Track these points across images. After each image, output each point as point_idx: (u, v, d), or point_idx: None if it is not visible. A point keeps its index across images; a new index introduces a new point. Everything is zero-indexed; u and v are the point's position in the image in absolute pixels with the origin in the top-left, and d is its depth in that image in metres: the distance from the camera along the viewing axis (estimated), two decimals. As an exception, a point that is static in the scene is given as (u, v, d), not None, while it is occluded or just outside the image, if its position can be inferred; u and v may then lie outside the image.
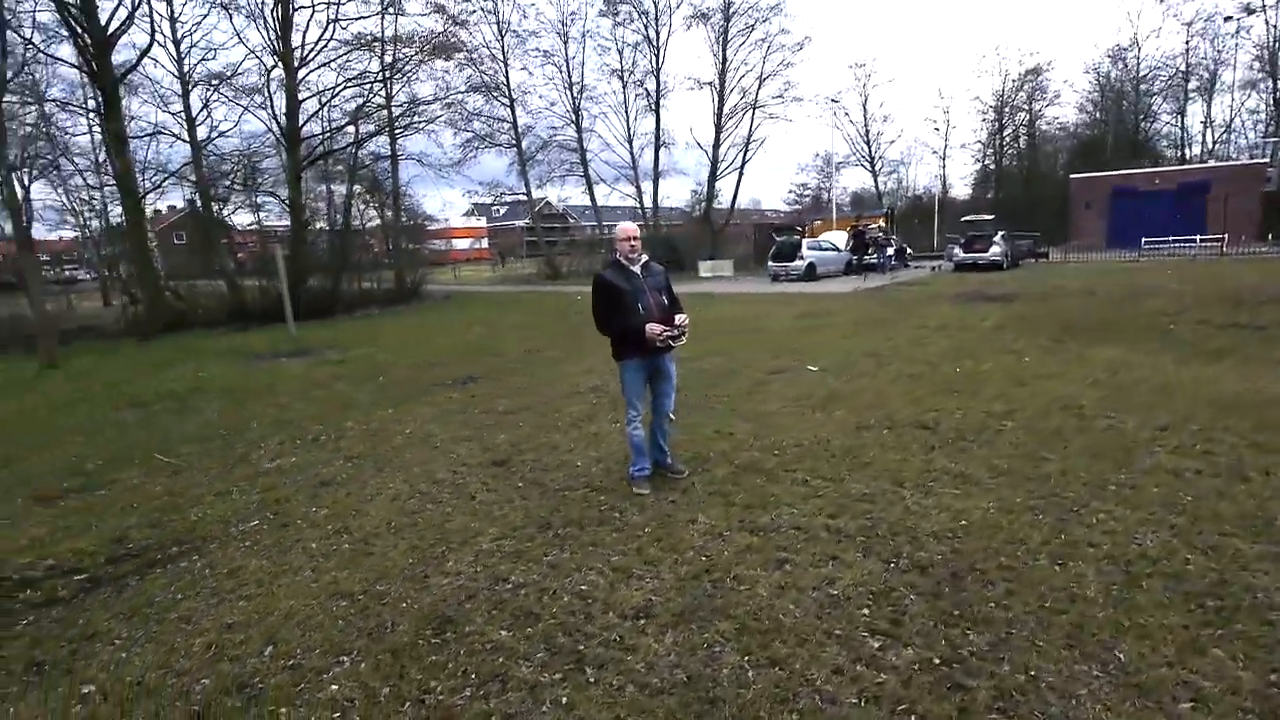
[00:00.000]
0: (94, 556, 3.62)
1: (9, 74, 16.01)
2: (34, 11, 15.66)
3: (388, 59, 20.12)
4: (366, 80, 19.87)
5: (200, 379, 9.19)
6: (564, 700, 2.27)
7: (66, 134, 21.22)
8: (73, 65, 15.48)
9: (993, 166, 44.43)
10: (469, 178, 38.81)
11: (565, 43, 32.63)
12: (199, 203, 20.62)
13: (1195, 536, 3.11)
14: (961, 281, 18.03)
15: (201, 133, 19.90)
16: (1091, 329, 8.86)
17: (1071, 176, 32.54)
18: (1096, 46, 79.23)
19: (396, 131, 22.97)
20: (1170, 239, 23.92)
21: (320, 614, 2.91)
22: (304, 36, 18.21)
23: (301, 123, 18.21)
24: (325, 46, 18.38)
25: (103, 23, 14.31)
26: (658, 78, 32.97)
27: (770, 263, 22.55)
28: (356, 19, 18.76)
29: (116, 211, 21.48)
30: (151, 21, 15.51)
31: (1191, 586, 2.70)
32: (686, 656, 2.45)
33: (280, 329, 14.24)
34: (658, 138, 34.24)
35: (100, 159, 20.81)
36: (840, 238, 24.54)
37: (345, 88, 19.36)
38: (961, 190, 46.96)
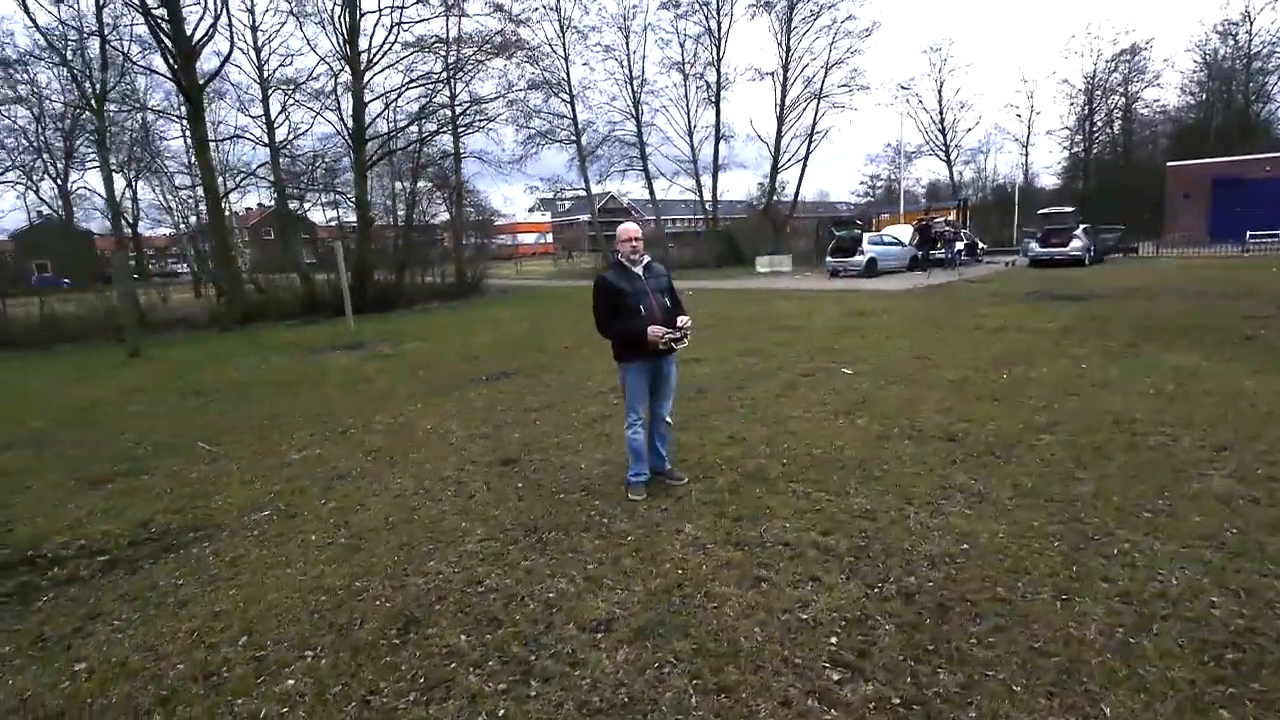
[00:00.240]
0: (119, 539, 3.88)
1: (110, 84, 17.52)
2: (131, 26, 17.01)
3: (451, 59, 20.69)
4: (430, 80, 20.51)
5: (259, 370, 9.75)
6: (501, 713, 2.24)
7: (163, 138, 22.92)
8: (163, 75, 16.69)
9: (1081, 154, 41.42)
10: (527, 174, 39.42)
11: (626, 37, 32.67)
12: (276, 201, 21.84)
13: (1230, 576, 2.76)
14: (1035, 278, 16.91)
15: (281, 134, 21.17)
16: (1168, 333, 8.10)
17: (1169, 165, 29.89)
18: (1203, 23, 72.47)
19: (459, 129, 23.66)
20: (1280, 233, 21.64)
21: (299, 607, 3.00)
22: (370, 41, 19.02)
23: (367, 123, 19.00)
24: (390, 49, 19.12)
25: (188, 33, 15.37)
26: (718, 69, 32.57)
27: (829, 258, 21.88)
28: (418, 21, 19.25)
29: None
30: (231, 31, 16.58)
31: (1211, 634, 2.40)
32: (634, 676, 2.38)
33: (344, 322, 14.95)
34: (717, 130, 33.83)
35: (191, 161, 22.38)
36: (905, 232, 23.50)
37: (409, 88, 20.07)
38: (1049, 180, 44.06)
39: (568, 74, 31.31)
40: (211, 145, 17.98)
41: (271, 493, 4.52)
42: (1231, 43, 35.90)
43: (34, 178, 29.52)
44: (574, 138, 32.10)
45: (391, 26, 18.56)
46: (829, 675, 2.32)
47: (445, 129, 22.28)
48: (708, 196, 36.02)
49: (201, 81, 16.04)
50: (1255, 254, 20.25)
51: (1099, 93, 39.70)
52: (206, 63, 17.40)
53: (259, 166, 21.09)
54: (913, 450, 4.53)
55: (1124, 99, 39.56)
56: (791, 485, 4.03)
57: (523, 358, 9.28)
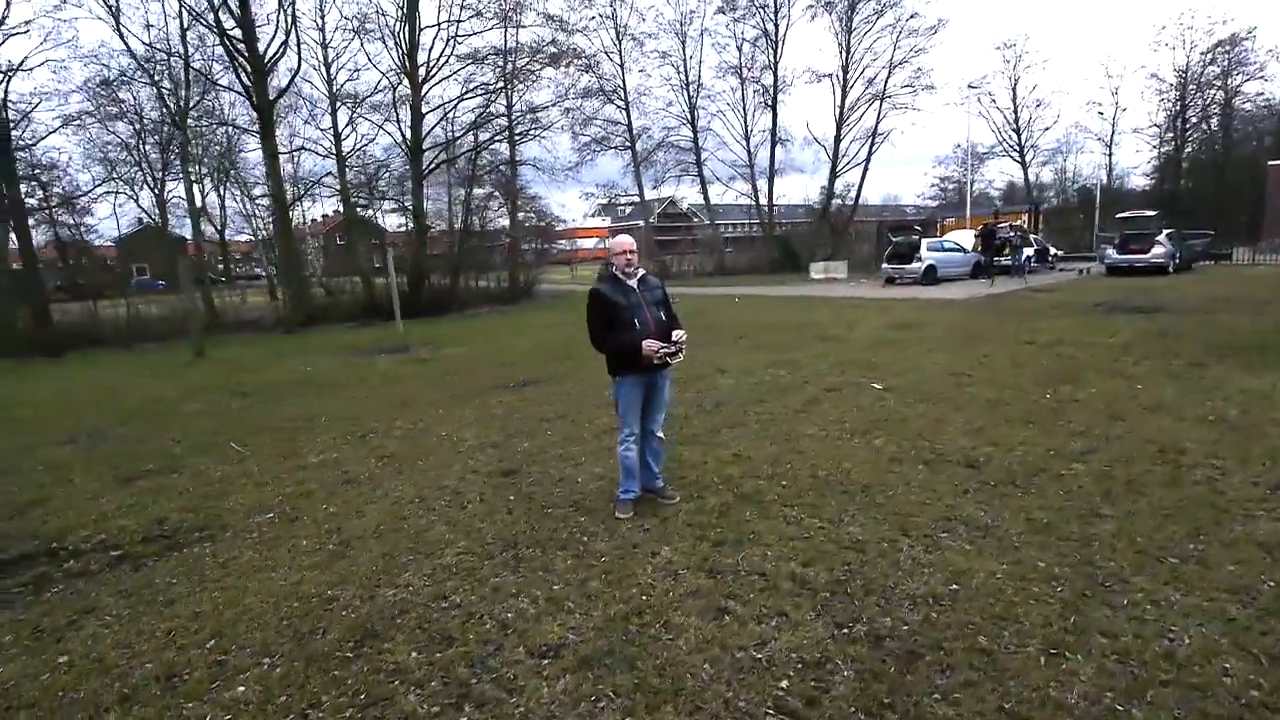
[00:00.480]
0: (133, 535, 4.10)
1: (192, 101, 18.84)
2: (213, 46, 18.24)
3: (506, 69, 21.20)
4: (486, 91, 21.09)
5: (306, 372, 10.21)
6: (427, 739, 2.21)
7: (242, 150, 24.46)
8: (237, 91, 17.84)
9: (1172, 153, 38.46)
10: (580, 180, 39.91)
11: (683, 42, 32.71)
12: (342, 209, 22.93)
13: (1254, 638, 2.44)
14: (1108, 288, 15.78)
15: (348, 145, 22.24)
16: (1244, 351, 7.36)
17: (1270, 164, 27.35)
18: (1322, 6, 65.72)
19: (515, 138, 24.20)
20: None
21: (271, 613, 3.07)
22: (429, 54, 19.74)
23: (425, 132, 19.72)
24: (446, 62, 19.78)
25: (261, 52, 16.35)
26: (775, 72, 32.12)
27: (884, 264, 21.14)
28: (471, 35, 19.82)
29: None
30: (299, 48, 17.52)
31: (1215, 706, 2.12)
32: (567, 709, 2.30)
33: (398, 325, 15.50)
34: (774, 134, 33.34)
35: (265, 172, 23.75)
36: (969, 237, 22.42)
37: (466, 98, 20.69)
38: (1138, 181, 41.10)
39: (623, 81, 31.61)
40: (282, 156, 19.06)
41: (281, 495, 4.68)
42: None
43: (135, 188, 32.22)
44: (629, 144, 32.30)
45: (448, 40, 19.23)
46: (769, 723, 2.18)
47: (500, 137, 22.84)
48: (764, 201, 35.50)
49: (272, 97, 17.02)
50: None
51: (1193, 87, 36.74)
52: (282, 78, 18.51)
53: (323, 176, 22.21)
54: (925, 476, 4.26)
55: (1222, 93, 36.48)
56: (785, 509, 3.86)
57: (552, 365, 9.34)
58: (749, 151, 34.75)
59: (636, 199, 35.61)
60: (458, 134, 20.67)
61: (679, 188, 37.93)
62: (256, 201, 26.04)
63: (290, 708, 2.41)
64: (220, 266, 45.87)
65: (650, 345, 3.75)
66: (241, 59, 16.01)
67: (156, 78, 17.36)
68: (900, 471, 4.36)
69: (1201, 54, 36.06)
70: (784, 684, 2.36)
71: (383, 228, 32.89)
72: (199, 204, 22.07)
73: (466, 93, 20.49)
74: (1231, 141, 36.91)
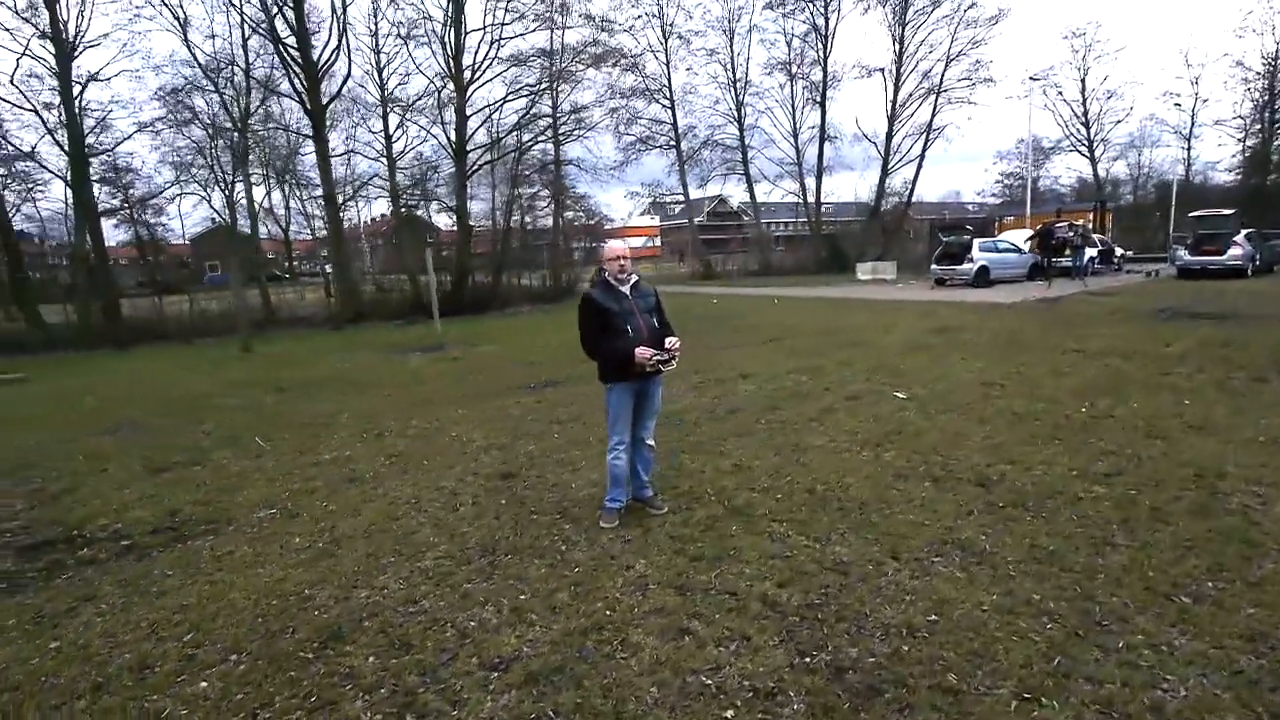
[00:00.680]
0: (145, 526, 4.30)
1: (252, 107, 19.78)
2: (272, 55, 19.07)
3: (550, 70, 21.41)
4: (530, 91, 21.36)
5: (342, 369, 10.55)
6: (362, 748, 2.22)
7: (301, 153, 25.55)
8: (290, 97, 18.66)
9: (1259, 146, 35.61)
10: (625, 181, 40.00)
11: (730, 39, 32.33)
12: (392, 209, 23.66)
13: (1261, 694, 2.20)
14: (1176, 291, 14.76)
15: (398, 147, 22.93)
16: (1317, 366, 6.72)
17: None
18: None
19: (560, 138, 24.47)
20: None
21: (249, 609, 3.16)
22: (475, 57, 20.14)
23: (469, 134, 20.13)
24: (490, 64, 20.13)
25: (314, 59, 17.02)
26: (824, 67, 31.39)
27: (934, 265, 20.37)
28: (515, 37, 20.11)
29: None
30: (349, 55, 18.15)
31: (1197, 772, 1.91)
32: (504, 726, 2.27)
33: (440, 323, 15.88)
34: (822, 131, 32.63)
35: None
36: (1022, 237, 21.37)
37: (510, 99, 21.01)
38: (1222, 177, 38.25)
39: (669, 79, 31.46)
40: (336, 159, 19.80)
41: (288, 491, 4.83)
42: None
43: (207, 189, 34.16)
44: (673, 143, 32.16)
45: (492, 43, 19.58)
46: (705, 756, 2.09)
47: (544, 137, 23.10)
48: (811, 199, 34.77)
49: (325, 102, 17.69)
50: None
51: (1284, 75, 33.90)
52: (335, 84, 19.23)
53: (371, 178, 22.97)
54: (929, 494, 4.05)
55: (1319, 81, 33.50)
56: (773, 525, 3.73)
57: (577, 365, 9.32)
58: (797, 149, 34.13)
59: (680, 196, 35.34)
60: (501, 134, 21.02)
61: (724, 186, 37.50)
62: (313, 202, 27.13)
63: (244, 706, 2.46)
64: (286, 264, 48.11)
65: (643, 353, 3.69)
66: (296, 66, 16.71)
67: (220, 85, 18.35)
68: (904, 488, 4.16)
69: (1295, 39, 33.25)
70: (729, 713, 2.26)
71: (436, 227, 33.91)
72: (259, 205, 23.07)
73: (510, 94, 20.83)
74: (1328, 133, 33.90)
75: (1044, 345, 8.87)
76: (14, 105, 17.76)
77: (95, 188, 19.18)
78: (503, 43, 19.89)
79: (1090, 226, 22.86)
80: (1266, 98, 34.34)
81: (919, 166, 33.31)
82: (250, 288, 16.07)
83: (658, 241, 75.54)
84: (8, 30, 16.62)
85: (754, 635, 2.69)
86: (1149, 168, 39.40)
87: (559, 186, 26.80)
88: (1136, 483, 4.03)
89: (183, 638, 2.95)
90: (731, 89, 33.13)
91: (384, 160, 22.54)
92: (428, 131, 21.02)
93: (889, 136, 32.35)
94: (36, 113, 17.70)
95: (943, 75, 30.67)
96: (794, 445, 5.15)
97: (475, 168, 20.69)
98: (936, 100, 31.25)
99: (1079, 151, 39.75)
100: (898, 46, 30.70)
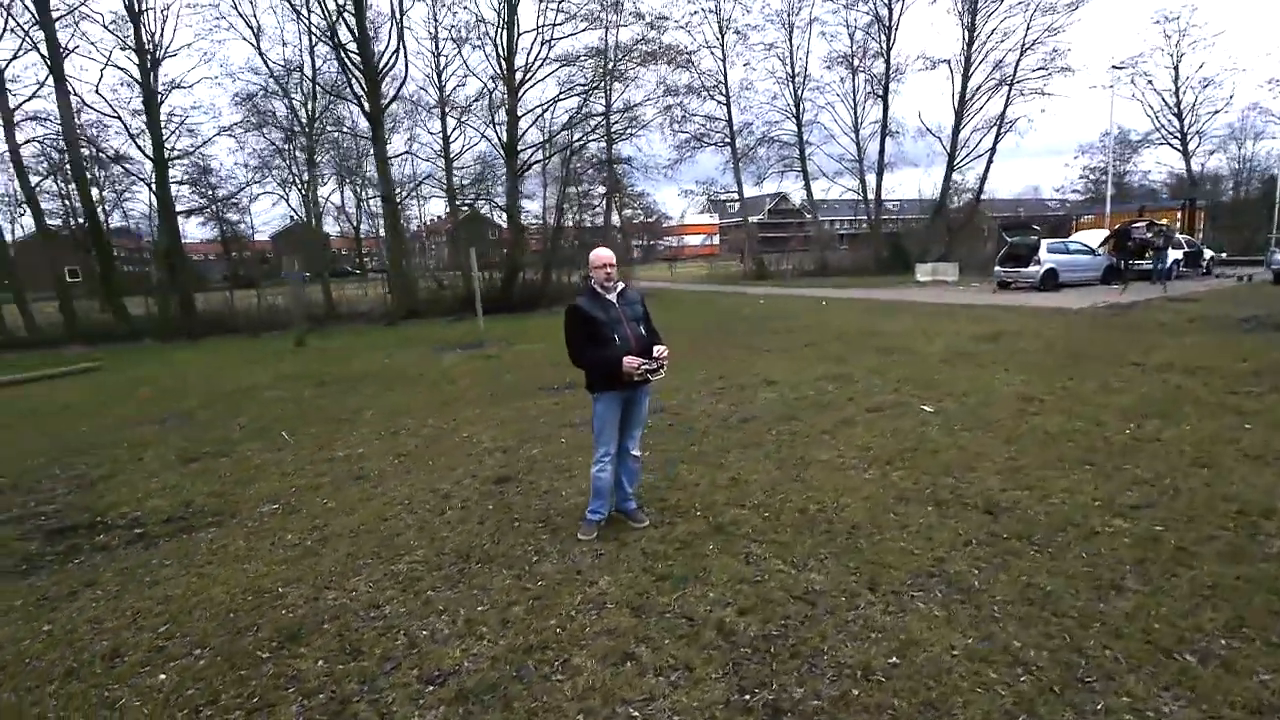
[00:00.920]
0: (159, 515, 4.54)
1: (318, 111, 20.73)
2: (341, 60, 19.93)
3: (602, 69, 21.51)
4: (582, 90, 21.53)
5: (382, 365, 10.91)
6: (283, 756, 2.24)
7: (366, 154, 26.64)
8: (351, 101, 19.46)
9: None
10: (676, 179, 39.76)
11: (789, 33, 31.57)
12: (448, 208, 24.37)
13: (1248, 780, 1.92)
14: (1267, 299, 13.42)
15: (455, 147, 23.60)
16: None
17: None
18: None
19: (613, 137, 24.55)
20: None
21: (225, 604, 3.27)
22: (528, 58, 20.44)
23: (521, 133, 20.48)
24: (542, 64, 20.39)
25: (375, 63, 17.68)
26: (887, 60, 30.22)
27: (997, 267, 19.30)
28: (566, 37, 20.30)
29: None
30: (406, 60, 18.78)
31: None
32: (423, 745, 2.25)
33: (488, 319, 16.22)
34: (884, 126, 31.47)
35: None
36: (1095, 238, 19.97)
37: (563, 98, 21.24)
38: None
39: (725, 76, 31.03)
40: (396, 159, 20.55)
41: (296, 486, 5.00)
42: None
43: (285, 188, 36.22)
44: (728, 140, 31.73)
45: (543, 43, 19.82)
46: (611, 795, 2.00)
47: (595, 135, 23.24)
48: (872, 196, 33.63)
49: (383, 104, 18.37)
50: None
51: None
52: (393, 88, 19.97)
53: (425, 178, 23.73)
54: (929, 520, 3.79)
55: None
56: (751, 546, 3.58)
57: (605, 367, 9.33)
58: (858, 145, 33.03)
59: (736, 196, 34.85)
60: (553, 133, 21.30)
61: (781, 184, 36.68)
62: (375, 202, 28.26)
63: (192, 701, 2.54)
64: (357, 260, 50.33)
65: (630, 362, 3.63)
66: (356, 70, 17.42)
67: (290, 90, 19.38)
68: (903, 512, 3.91)
69: None
70: (649, 751, 2.17)
71: (498, 225, 34.75)
72: (329, 202, 24.25)
73: (563, 93, 21.05)
74: None
75: (1102, 356, 8.23)
76: (101, 114, 19.29)
77: (180, 188, 20.60)
78: (554, 43, 20.16)
79: (1177, 226, 21.12)
80: (1392, 83, 30.81)
81: (989, 161, 31.63)
82: (313, 284, 16.89)
83: (715, 240, 74.89)
84: (93, 44, 17.99)
85: (698, 666, 2.58)
86: (1252, 162, 36.15)
87: (614, 184, 26.92)
88: (1166, 517, 3.65)
89: (158, 628, 3.08)
90: (790, 84, 32.42)
91: (441, 160, 23.24)
92: (481, 134, 21.56)
93: (955, 130, 30.87)
94: (121, 120, 19.16)
95: (1016, 65, 28.99)
96: (798, 459, 4.95)
97: (525, 166, 21.04)
98: (1010, 91, 29.58)
99: (1170, 145, 36.85)
100: (967, 35, 29.22)
